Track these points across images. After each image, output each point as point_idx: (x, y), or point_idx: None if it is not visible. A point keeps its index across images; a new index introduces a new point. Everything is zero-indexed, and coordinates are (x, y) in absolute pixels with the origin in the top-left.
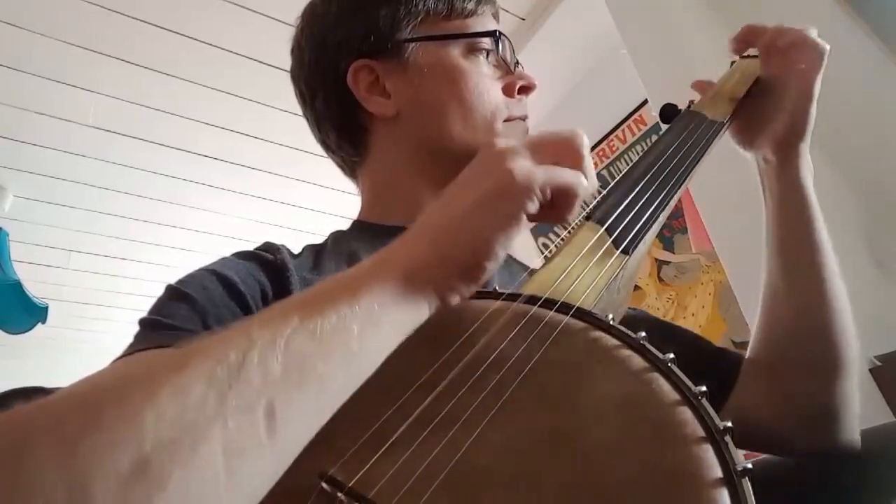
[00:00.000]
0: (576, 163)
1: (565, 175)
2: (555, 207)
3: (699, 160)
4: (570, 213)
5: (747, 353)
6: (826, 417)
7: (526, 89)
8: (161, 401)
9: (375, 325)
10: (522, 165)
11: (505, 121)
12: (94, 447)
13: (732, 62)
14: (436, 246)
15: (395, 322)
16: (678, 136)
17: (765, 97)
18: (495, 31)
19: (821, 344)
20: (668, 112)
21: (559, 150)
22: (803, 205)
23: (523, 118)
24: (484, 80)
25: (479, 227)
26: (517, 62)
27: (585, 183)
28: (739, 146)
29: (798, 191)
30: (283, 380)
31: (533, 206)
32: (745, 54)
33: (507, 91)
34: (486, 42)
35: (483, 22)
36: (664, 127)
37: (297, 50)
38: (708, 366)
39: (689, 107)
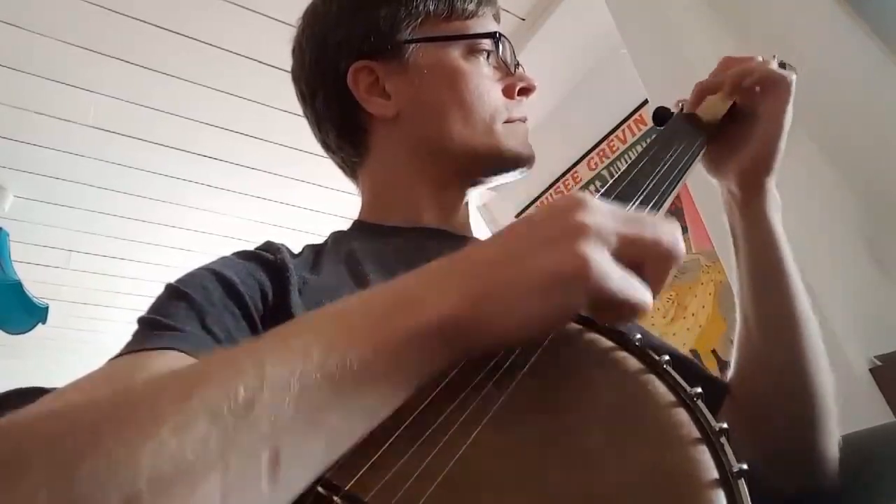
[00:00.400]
0: (657, 279)
1: (639, 296)
2: (607, 314)
3: (693, 162)
4: (619, 324)
5: (728, 378)
6: (802, 459)
7: (526, 91)
8: (161, 434)
9: (397, 378)
10: (602, 262)
11: (505, 122)
12: (88, 478)
13: None
14: (478, 307)
15: (417, 372)
16: (672, 138)
17: (736, 126)
18: (495, 32)
19: (796, 388)
20: (662, 115)
21: (651, 255)
22: (771, 239)
23: (523, 120)
24: (484, 82)
25: (531, 309)
26: (517, 63)
27: (650, 306)
28: (708, 172)
29: (765, 225)
30: (292, 427)
31: (591, 307)
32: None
33: (507, 92)
34: (487, 43)
35: (483, 23)
36: (659, 129)
37: (298, 50)
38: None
39: (681, 109)
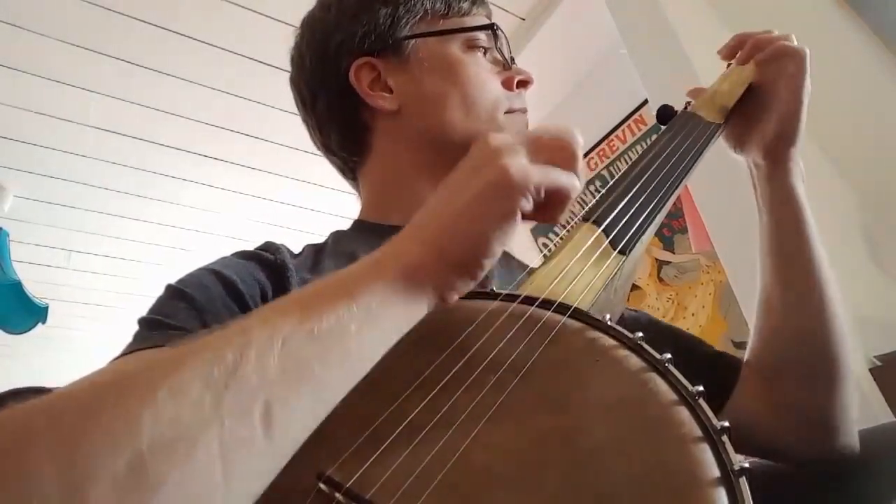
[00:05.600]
0: (570, 164)
1: (560, 177)
2: (548, 207)
3: (696, 161)
4: (562, 213)
5: (745, 356)
6: (823, 426)
7: (524, 83)
8: (158, 401)
9: (373, 325)
10: (518, 162)
11: (506, 112)
12: (91, 448)
13: (729, 64)
14: (433, 243)
15: (392, 321)
16: (675, 138)
17: (756, 101)
18: (493, 23)
19: (817, 354)
20: (665, 113)
21: (555, 150)
22: (795, 211)
23: (523, 110)
24: (483, 73)
25: (476, 224)
26: (513, 59)
27: (579, 186)
28: (731, 149)
29: (790, 196)
30: (279, 381)
31: (528, 204)
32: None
33: (506, 85)
34: (483, 40)
35: (477, 22)
36: (663, 128)
37: (297, 56)
38: (707, 368)
39: (685, 108)
